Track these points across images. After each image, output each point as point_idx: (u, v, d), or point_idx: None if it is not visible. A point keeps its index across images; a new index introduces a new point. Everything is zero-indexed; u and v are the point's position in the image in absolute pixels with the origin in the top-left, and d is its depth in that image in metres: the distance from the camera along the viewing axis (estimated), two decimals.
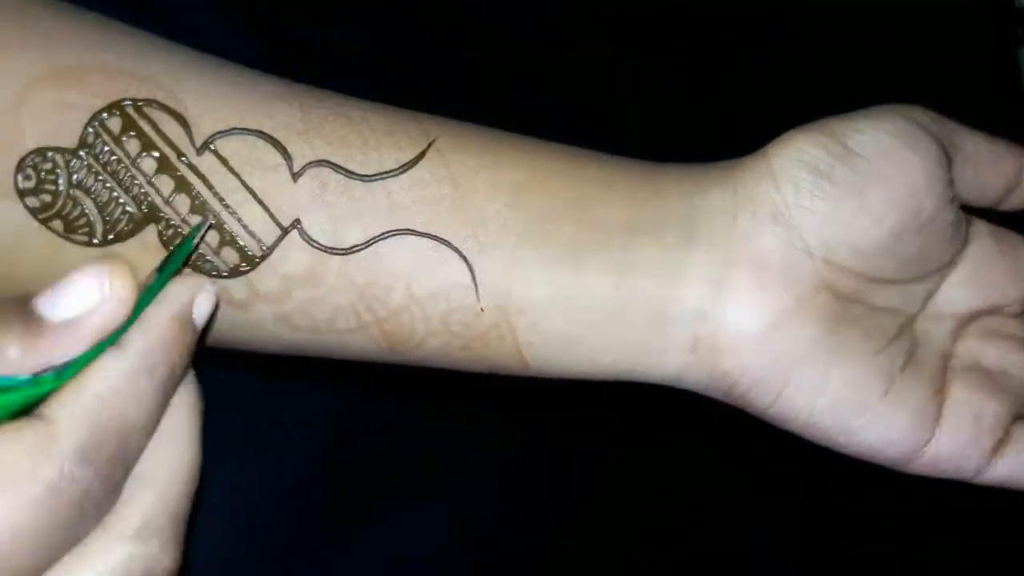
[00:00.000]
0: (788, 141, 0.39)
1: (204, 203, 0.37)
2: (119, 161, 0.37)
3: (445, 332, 0.38)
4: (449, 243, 0.37)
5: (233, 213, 0.37)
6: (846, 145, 0.38)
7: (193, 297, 0.32)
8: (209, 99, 0.37)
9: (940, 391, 0.40)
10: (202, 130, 0.37)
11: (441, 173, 0.38)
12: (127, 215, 0.37)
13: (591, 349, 0.38)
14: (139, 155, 0.37)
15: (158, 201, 0.37)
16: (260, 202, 0.37)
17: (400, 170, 0.37)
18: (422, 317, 0.38)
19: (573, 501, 0.58)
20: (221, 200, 0.37)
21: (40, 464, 0.27)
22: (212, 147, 0.37)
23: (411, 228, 0.37)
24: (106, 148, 0.37)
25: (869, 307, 0.39)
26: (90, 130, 0.36)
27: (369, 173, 0.37)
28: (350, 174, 0.37)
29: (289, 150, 0.37)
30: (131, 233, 0.37)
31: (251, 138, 0.37)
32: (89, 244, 0.37)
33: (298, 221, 0.37)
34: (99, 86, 0.37)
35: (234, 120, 0.37)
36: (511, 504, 0.56)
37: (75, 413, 0.28)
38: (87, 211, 0.37)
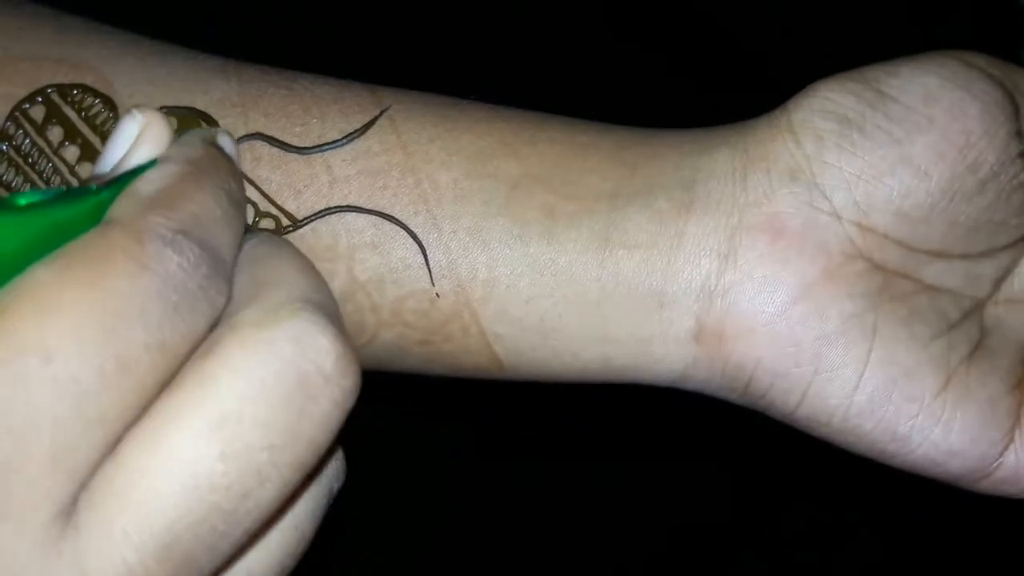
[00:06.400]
0: (812, 90, 0.32)
1: None
2: (40, 152, 0.33)
3: (398, 324, 0.32)
4: (394, 218, 0.32)
5: None
6: (880, 90, 0.31)
7: (212, 134, 0.27)
8: (143, 80, 0.34)
9: (1019, 386, 0.32)
10: None
11: (391, 141, 0.33)
12: None
13: (573, 342, 0.32)
14: (61, 143, 0.33)
15: None
16: None
17: (344, 140, 0.32)
18: (370, 306, 0.32)
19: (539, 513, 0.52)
20: None
21: (131, 247, 0.22)
22: None
23: (353, 203, 0.32)
24: (27, 140, 0.33)
25: (921, 285, 0.32)
26: (9, 122, 0.33)
27: (308, 145, 0.32)
28: (286, 146, 0.32)
29: (221, 124, 0.33)
30: None
31: (181, 115, 0.33)
32: None
33: None
34: (24, 74, 0.34)
35: (166, 99, 0.33)
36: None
37: (140, 206, 0.23)
38: None
